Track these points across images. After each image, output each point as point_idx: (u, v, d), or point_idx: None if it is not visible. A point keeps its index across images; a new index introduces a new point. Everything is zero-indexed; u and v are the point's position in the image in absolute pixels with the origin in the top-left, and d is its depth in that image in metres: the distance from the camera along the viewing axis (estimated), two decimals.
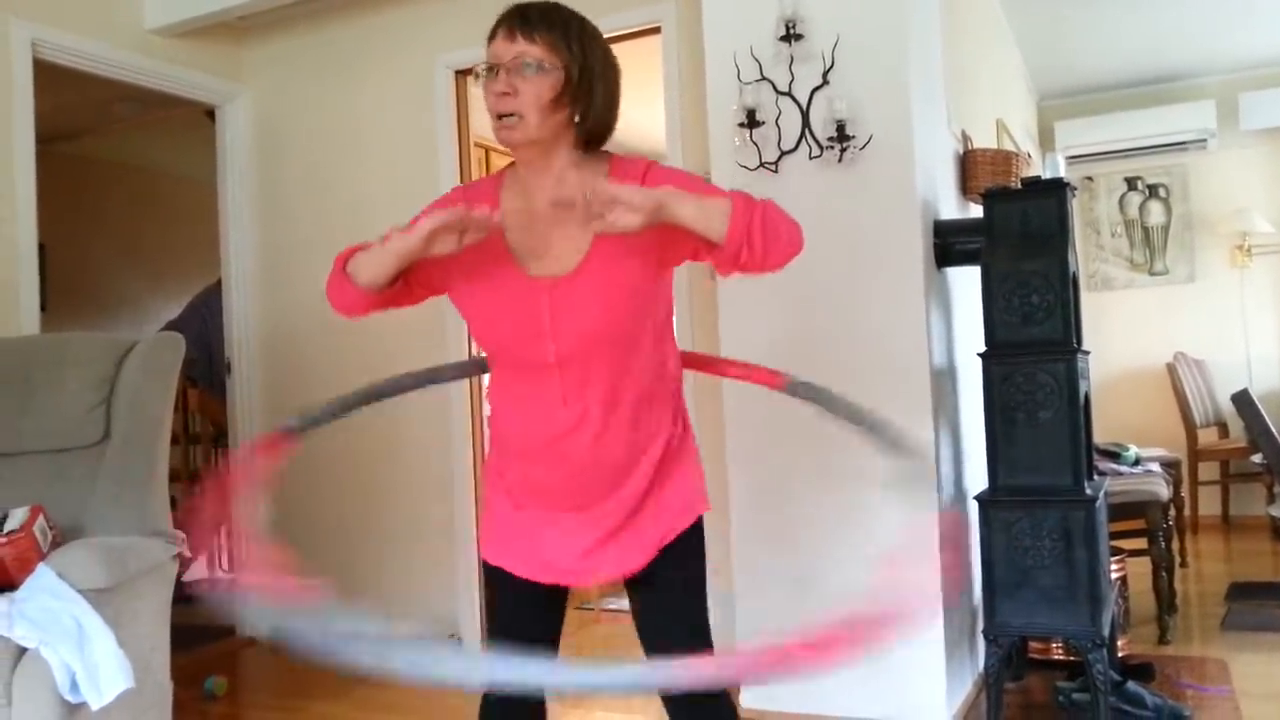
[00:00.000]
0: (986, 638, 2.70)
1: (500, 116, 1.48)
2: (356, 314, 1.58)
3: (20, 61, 3.60)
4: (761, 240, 1.41)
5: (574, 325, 1.49)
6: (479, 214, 1.42)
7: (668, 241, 1.48)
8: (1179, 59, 5.87)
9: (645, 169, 1.55)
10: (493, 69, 1.48)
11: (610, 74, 1.57)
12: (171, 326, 5.08)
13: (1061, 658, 3.24)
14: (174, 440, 3.70)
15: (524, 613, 1.68)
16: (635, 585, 1.66)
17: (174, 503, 3.09)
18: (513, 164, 1.62)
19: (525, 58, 1.46)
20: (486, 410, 1.85)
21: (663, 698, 1.64)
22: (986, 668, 2.71)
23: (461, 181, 3.95)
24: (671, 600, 1.65)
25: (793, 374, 1.75)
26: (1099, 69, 6.03)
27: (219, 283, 4.63)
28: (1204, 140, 6.06)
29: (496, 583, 1.69)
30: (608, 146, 1.62)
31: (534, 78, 1.46)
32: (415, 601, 4.07)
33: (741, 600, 3.03)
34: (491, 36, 1.51)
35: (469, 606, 3.97)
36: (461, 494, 4.00)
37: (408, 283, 1.55)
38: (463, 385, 3.96)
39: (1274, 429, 4.36)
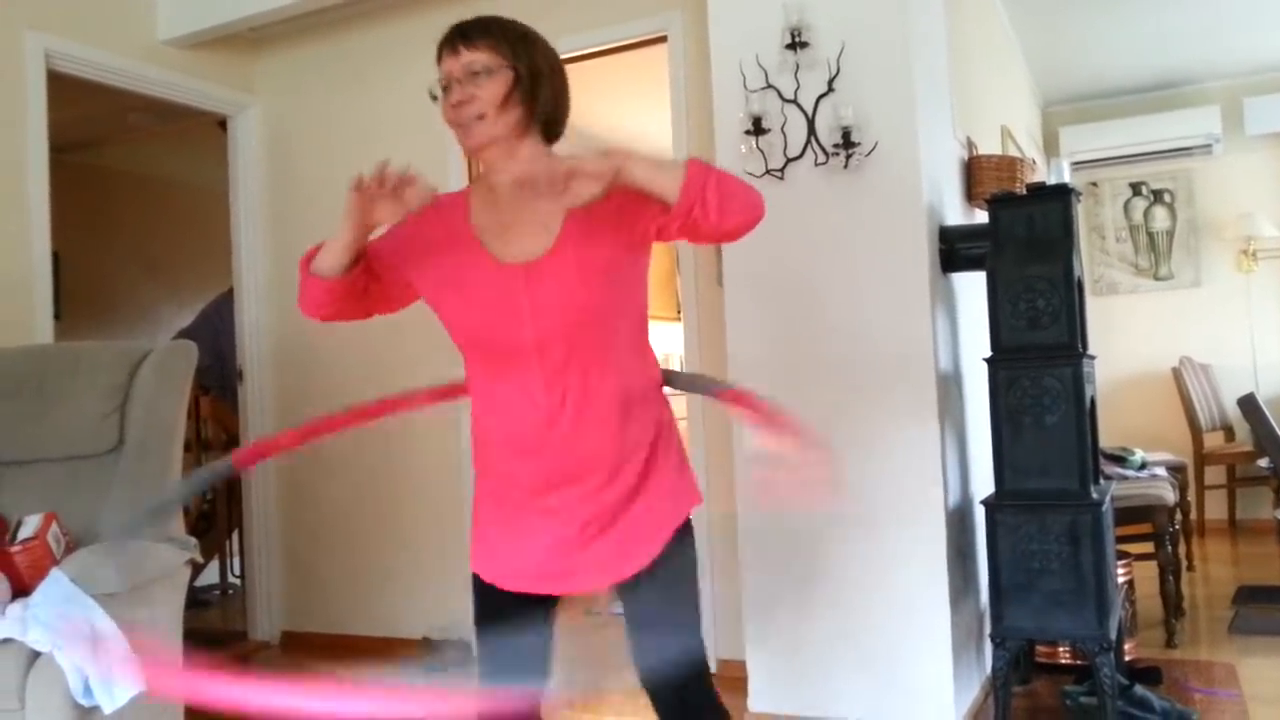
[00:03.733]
0: (994, 641, 2.71)
1: (460, 125, 1.55)
2: (323, 308, 1.60)
3: (34, 72, 3.64)
4: (716, 199, 1.45)
5: (552, 307, 1.51)
6: (398, 168, 1.48)
7: (631, 211, 1.51)
8: (1183, 64, 5.88)
9: None
10: (446, 87, 1.55)
11: (553, 67, 1.62)
12: (183, 334, 5.12)
13: (1069, 661, 3.25)
14: (186, 447, 3.74)
15: (508, 626, 1.64)
16: (624, 593, 1.64)
17: (186, 509, 3.13)
18: (477, 179, 1.67)
19: (473, 65, 1.53)
20: None
21: (653, 701, 1.62)
22: (994, 671, 2.72)
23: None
24: (660, 610, 1.63)
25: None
26: (1103, 75, 6.04)
27: (230, 291, 4.67)
28: (1209, 145, 6.07)
29: (480, 594, 1.67)
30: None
31: (485, 82, 1.53)
32: (424, 605, 4.08)
33: (749, 602, 3.05)
34: (439, 58, 1.57)
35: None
36: (469, 497, 4.02)
37: (377, 279, 1.60)
38: None
39: None
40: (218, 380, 5.01)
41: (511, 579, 1.63)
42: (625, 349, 1.59)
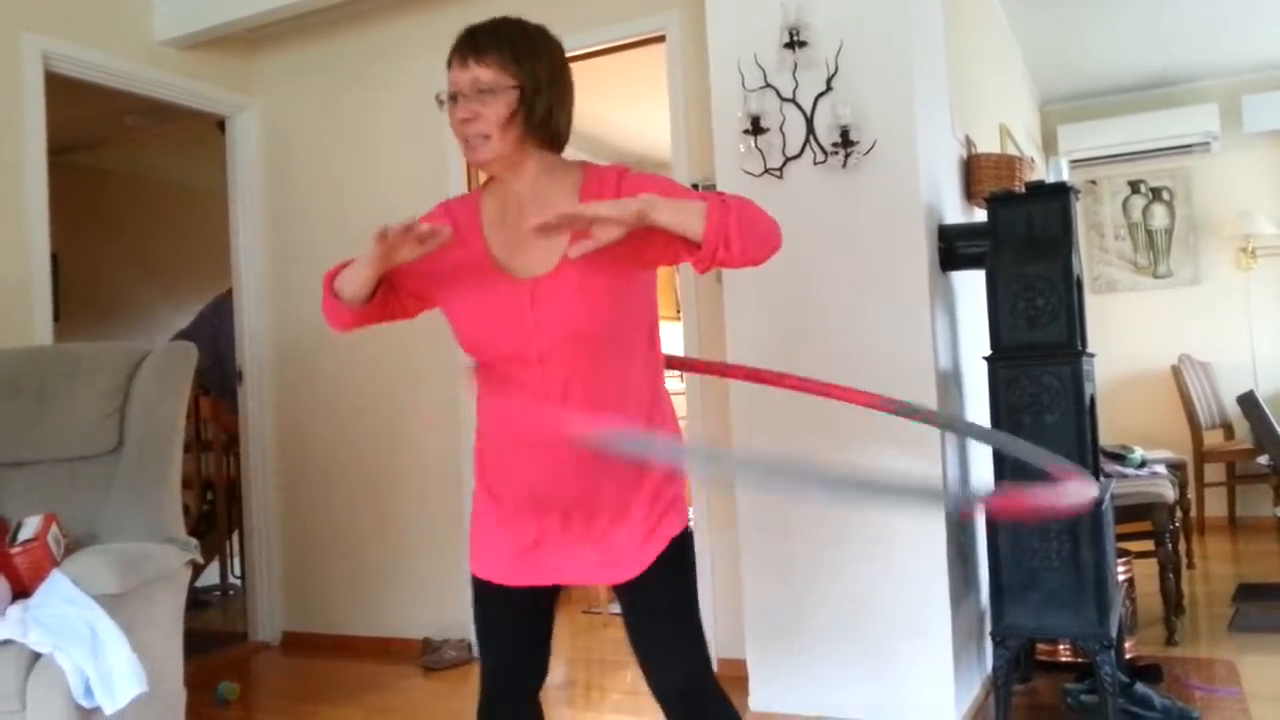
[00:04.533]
0: (994, 640, 2.71)
1: (465, 140, 1.55)
2: (351, 328, 1.65)
3: (32, 74, 3.63)
4: (739, 238, 1.45)
5: (556, 322, 1.53)
6: (424, 228, 1.46)
7: (643, 241, 1.51)
8: (1181, 62, 5.88)
9: (618, 178, 1.59)
10: (454, 96, 1.55)
11: (560, 79, 1.61)
12: (182, 335, 5.12)
13: (1069, 660, 3.25)
14: (186, 448, 3.74)
15: (507, 624, 1.70)
16: (624, 598, 1.68)
17: (186, 510, 3.13)
18: (490, 179, 1.67)
19: (479, 83, 1.52)
20: None
21: (664, 708, 1.66)
22: (995, 670, 2.72)
23: (469, 189, 3.98)
24: (661, 617, 1.66)
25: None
26: (1101, 73, 6.04)
27: (229, 292, 4.67)
28: (1207, 143, 6.07)
29: (480, 594, 1.71)
30: (594, 154, 1.66)
31: (491, 100, 1.52)
32: (424, 605, 4.09)
33: (749, 600, 3.05)
34: (449, 64, 1.56)
35: None
36: (468, 498, 4.02)
37: (396, 294, 1.63)
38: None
39: None
40: (217, 381, 5.01)
41: (508, 571, 1.66)
42: (631, 366, 1.61)
